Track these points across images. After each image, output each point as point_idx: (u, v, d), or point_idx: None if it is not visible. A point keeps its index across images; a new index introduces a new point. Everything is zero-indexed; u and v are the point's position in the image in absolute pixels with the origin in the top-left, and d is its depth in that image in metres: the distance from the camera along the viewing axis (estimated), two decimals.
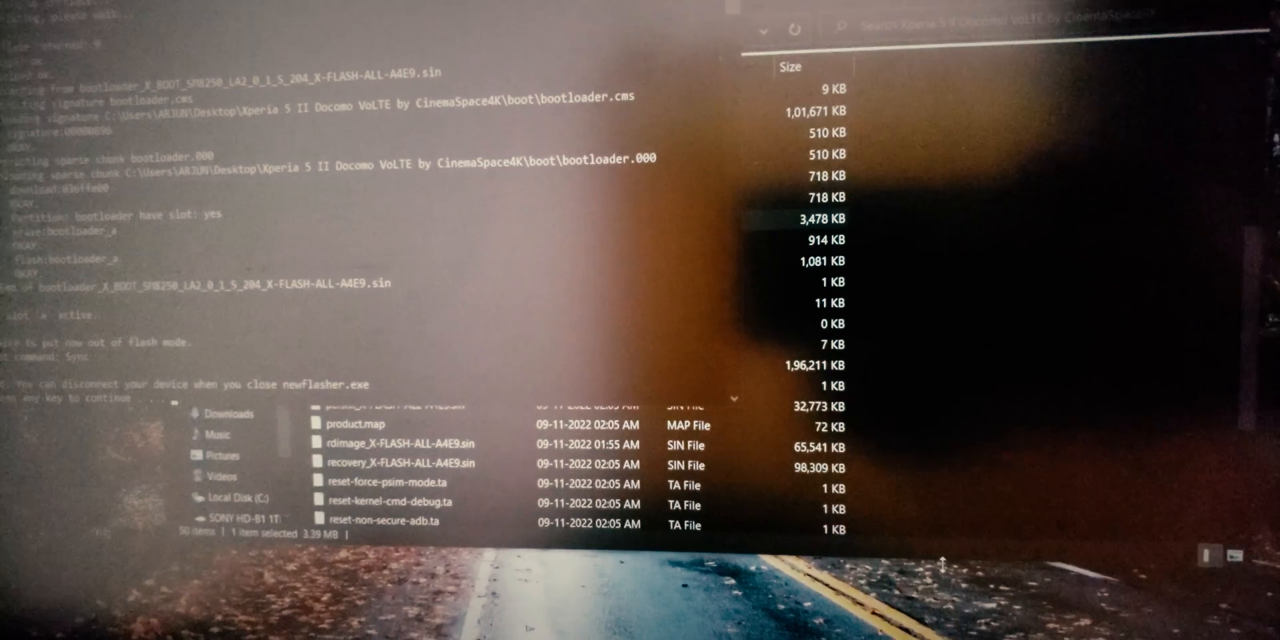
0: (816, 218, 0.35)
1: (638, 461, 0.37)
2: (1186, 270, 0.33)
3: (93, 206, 0.38)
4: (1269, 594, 0.34)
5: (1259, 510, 0.34)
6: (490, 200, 0.36)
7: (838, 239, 0.35)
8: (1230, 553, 0.34)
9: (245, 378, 0.38)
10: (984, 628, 0.35)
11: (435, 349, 0.37)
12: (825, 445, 0.36)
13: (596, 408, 0.37)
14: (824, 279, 0.35)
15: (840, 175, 0.35)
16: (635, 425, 0.37)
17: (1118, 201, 0.33)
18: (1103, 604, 0.35)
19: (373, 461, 0.38)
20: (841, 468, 0.36)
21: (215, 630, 0.39)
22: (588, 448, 0.37)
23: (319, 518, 0.38)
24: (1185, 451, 0.34)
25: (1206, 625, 0.34)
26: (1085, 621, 0.35)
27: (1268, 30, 0.32)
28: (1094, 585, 0.35)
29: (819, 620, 0.36)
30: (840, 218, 0.35)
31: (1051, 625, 0.35)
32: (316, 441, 0.38)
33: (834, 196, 0.35)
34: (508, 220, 0.36)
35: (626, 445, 0.37)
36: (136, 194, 0.38)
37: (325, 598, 0.39)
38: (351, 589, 0.38)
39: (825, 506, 0.36)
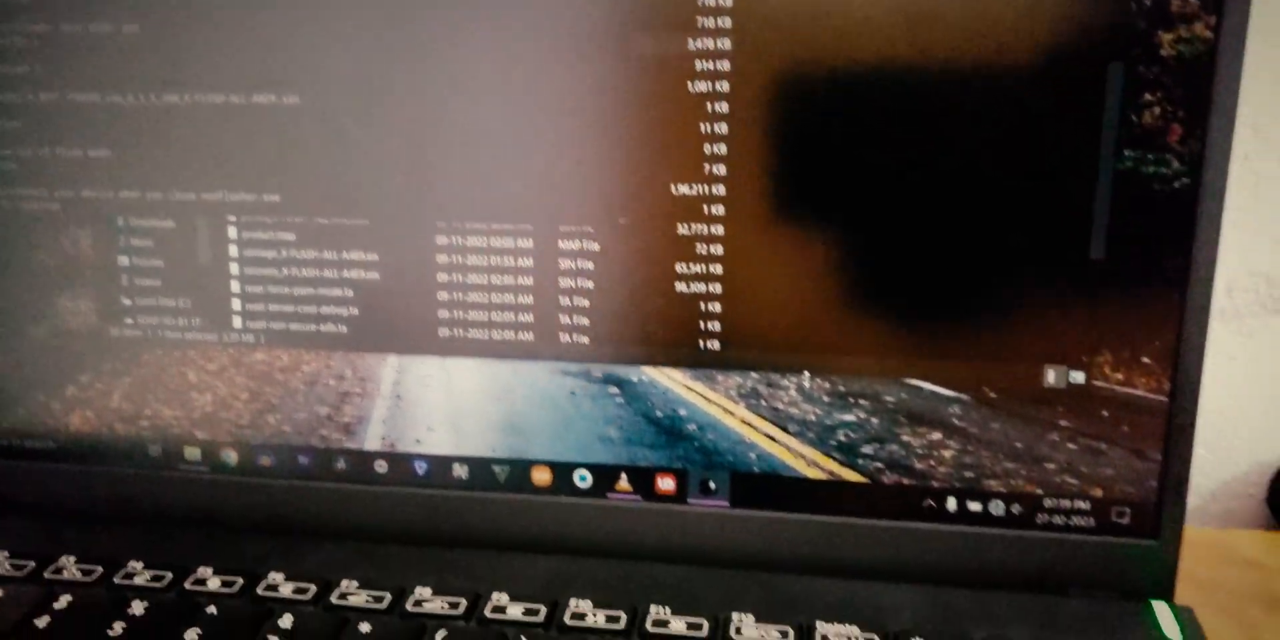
0: (703, 43, 0.36)
1: (531, 278, 0.39)
2: (1050, 104, 0.35)
3: (13, 15, 0.39)
4: (1104, 412, 0.36)
5: (1101, 335, 0.36)
6: (390, 20, 0.37)
7: (722, 65, 0.36)
8: (1072, 374, 0.36)
9: (166, 188, 0.40)
10: (843, 438, 0.38)
11: (340, 164, 0.39)
12: (704, 266, 0.38)
13: (492, 226, 0.39)
14: (708, 104, 0.36)
15: (727, 0, 0.36)
16: (529, 244, 0.39)
17: (986, 36, 0.34)
18: (954, 419, 0.37)
19: (285, 270, 0.40)
20: (718, 288, 0.38)
21: (145, 423, 0.42)
22: (484, 263, 0.39)
23: (237, 322, 0.41)
24: (1038, 277, 0.36)
25: (1047, 440, 0.37)
26: (937, 435, 0.37)
27: None
28: (946, 402, 0.37)
29: (692, 426, 0.39)
30: (726, 43, 0.36)
31: (906, 438, 0.38)
32: (233, 250, 0.41)
33: (720, 22, 0.36)
34: (407, 41, 0.37)
35: (520, 262, 0.39)
36: (56, 4, 0.39)
37: (244, 396, 0.42)
38: (268, 389, 0.41)
39: (702, 323, 0.38)
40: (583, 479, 0.40)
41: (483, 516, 0.40)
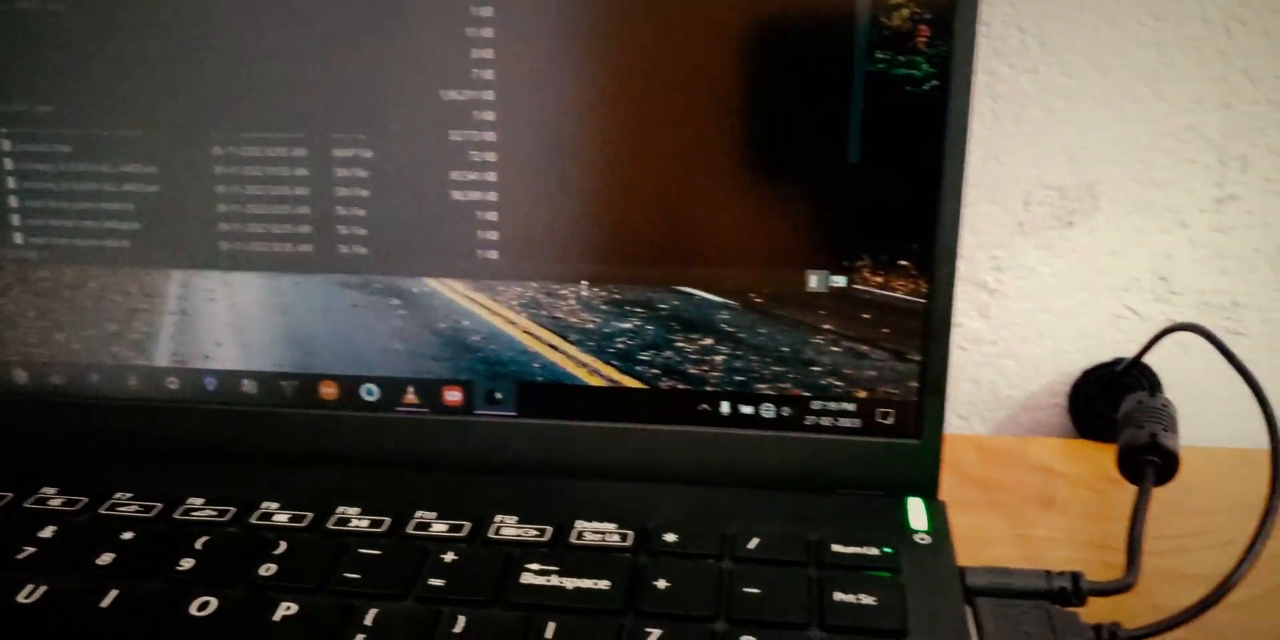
0: None
1: (307, 188, 0.39)
2: (802, 5, 0.35)
3: None
4: (865, 316, 0.37)
5: (860, 239, 0.36)
6: None
7: None
8: (833, 279, 0.37)
9: None
10: (621, 346, 0.38)
11: (112, 73, 0.38)
12: (478, 174, 0.38)
13: (266, 135, 0.38)
14: (472, 8, 0.36)
15: None
16: (303, 153, 0.38)
17: None
18: (723, 325, 0.38)
19: (64, 184, 0.40)
20: (493, 196, 0.38)
21: None
22: (261, 174, 0.39)
23: (18, 238, 0.40)
24: (798, 183, 0.36)
25: (812, 344, 0.37)
26: (708, 341, 0.38)
27: None
28: (715, 308, 0.38)
29: (476, 338, 0.39)
30: None
31: (679, 344, 0.38)
32: (9, 164, 0.40)
33: None
34: None
35: (296, 172, 0.39)
36: None
37: (31, 314, 0.41)
38: (55, 306, 0.41)
39: (479, 232, 0.38)
40: (370, 392, 0.40)
41: (272, 431, 0.40)
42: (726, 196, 0.37)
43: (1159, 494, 0.42)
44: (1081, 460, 0.46)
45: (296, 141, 0.38)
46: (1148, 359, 0.47)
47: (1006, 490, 0.44)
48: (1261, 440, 0.47)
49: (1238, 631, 0.35)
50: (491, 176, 0.38)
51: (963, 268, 0.48)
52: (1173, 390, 0.48)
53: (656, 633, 0.30)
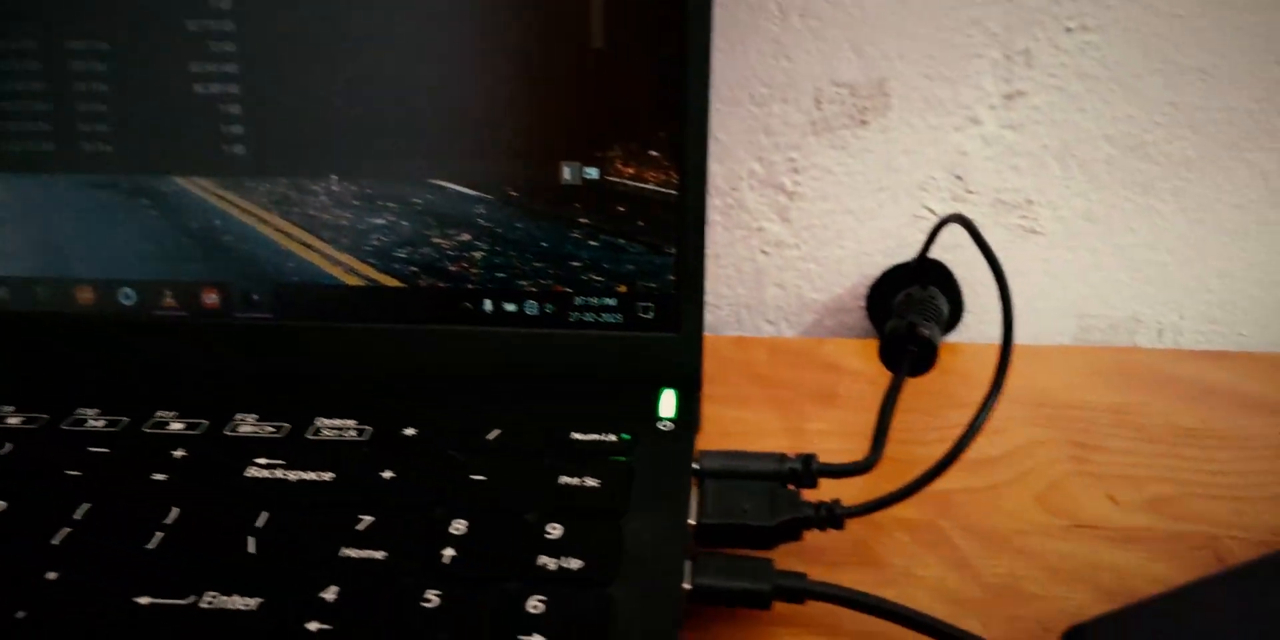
0: None
1: (42, 83, 0.37)
2: None
3: None
4: (619, 208, 0.36)
5: (610, 129, 0.36)
6: None
7: None
8: (586, 170, 0.36)
9: None
10: (376, 243, 0.38)
11: None
12: (218, 66, 0.36)
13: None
14: None
15: None
16: (33, 44, 0.37)
17: None
18: (480, 220, 0.37)
19: None
20: (235, 88, 0.36)
21: None
22: None
23: None
24: (544, 72, 0.35)
25: (570, 239, 0.37)
26: (466, 237, 0.37)
27: None
28: (471, 202, 0.37)
29: (229, 238, 0.38)
30: None
31: (436, 240, 0.37)
32: None
33: None
34: None
35: (28, 66, 0.37)
36: None
37: None
38: None
39: (223, 126, 0.37)
40: (127, 297, 0.39)
41: (26, 337, 0.39)
42: (473, 86, 0.36)
43: (938, 386, 0.43)
44: (870, 358, 0.47)
45: (25, 33, 0.36)
46: (945, 257, 0.48)
47: (790, 387, 0.44)
48: (1054, 337, 0.48)
49: (983, 512, 0.36)
50: (232, 68, 0.36)
51: (760, 170, 0.48)
52: (975, 289, 0.48)
53: (369, 520, 0.29)
